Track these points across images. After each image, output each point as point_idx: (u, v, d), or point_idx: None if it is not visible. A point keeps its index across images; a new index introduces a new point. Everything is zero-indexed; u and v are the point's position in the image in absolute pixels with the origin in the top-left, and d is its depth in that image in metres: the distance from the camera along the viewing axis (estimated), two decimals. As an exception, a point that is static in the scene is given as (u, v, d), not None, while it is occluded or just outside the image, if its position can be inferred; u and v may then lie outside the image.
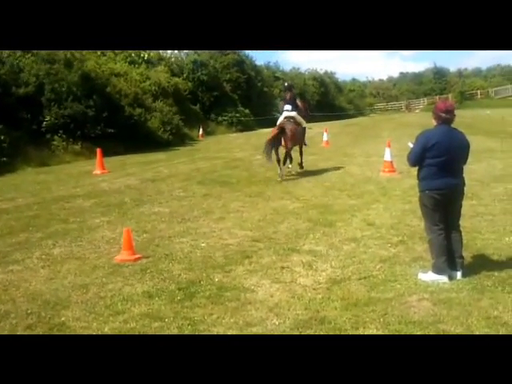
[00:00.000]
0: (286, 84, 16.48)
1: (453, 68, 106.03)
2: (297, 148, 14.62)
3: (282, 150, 13.59)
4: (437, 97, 66.21)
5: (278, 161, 13.43)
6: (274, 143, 13.11)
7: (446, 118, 5.92)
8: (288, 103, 14.07)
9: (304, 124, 14.48)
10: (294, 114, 13.89)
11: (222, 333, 4.82)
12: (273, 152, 13.06)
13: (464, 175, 6.14)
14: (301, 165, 14.74)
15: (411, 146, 6.25)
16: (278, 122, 13.88)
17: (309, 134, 16.76)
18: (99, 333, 4.91)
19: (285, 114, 13.87)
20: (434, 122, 6.07)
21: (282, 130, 13.30)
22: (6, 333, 4.96)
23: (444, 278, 5.93)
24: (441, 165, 5.86)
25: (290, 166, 14.46)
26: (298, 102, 14.60)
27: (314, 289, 5.90)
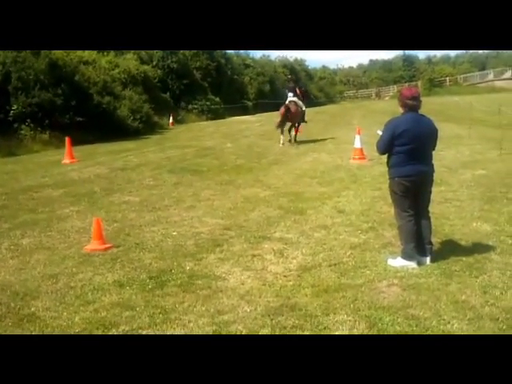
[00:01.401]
0: (289, 76, 24.40)
1: (422, 55, 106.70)
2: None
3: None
4: (406, 84, 66.72)
5: (282, 132, 18.06)
6: (283, 120, 17.78)
7: (412, 104, 5.96)
8: (291, 91, 18.72)
9: (303, 107, 18.77)
10: (295, 99, 18.44)
11: (193, 321, 4.83)
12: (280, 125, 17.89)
13: (433, 162, 6.21)
14: (295, 139, 18.85)
15: (380, 133, 6.30)
16: (284, 105, 18.10)
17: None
18: (69, 323, 4.88)
19: (289, 99, 18.38)
20: (400, 110, 6.10)
21: (287, 109, 17.68)
22: (-26, 325, 4.90)
23: (413, 264, 6.01)
24: (409, 152, 5.90)
25: (289, 137, 18.71)
26: (297, 90, 19.11)
27: (284, 276, 5.94)
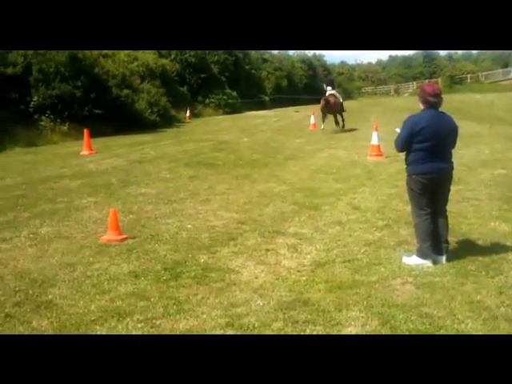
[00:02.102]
0: (326, 72, 26.36)
1: (443, 51, 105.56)
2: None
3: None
4: (426, 81, 66.17)
5: (324, 120, 20.66)
6: (323, 111, 20.33)
7: (433, 101, 5.87)
8: (329, 85, 20.92)
9: (341, 99, 20.89)
10: (334, 91, 20.63)
11: (206, 313, 4.88)
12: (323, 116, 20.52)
13: (452, 160, 6.13)
14: (343, 126, 20.82)
15: (398, 131, 6.24)
16: (324, 97, 20.41)
17: (296, 117, 17.22)
18: (85, 311, 4.95)
19: (328, 92, 20.48)
20: (420, 106, 6.01)
21: (327, 102, 19.86)
22: (-8, 311, 4.99)
23: (428, 263, 5.98)
24: (428, 149, 5.84)
25: (338, 126, 20.80)
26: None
27: (298, 271, 5.96)
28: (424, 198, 6.03)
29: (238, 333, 4.48)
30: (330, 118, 20.90)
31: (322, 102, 20.23)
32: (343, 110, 20.90)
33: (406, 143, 5.97)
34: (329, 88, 20.71)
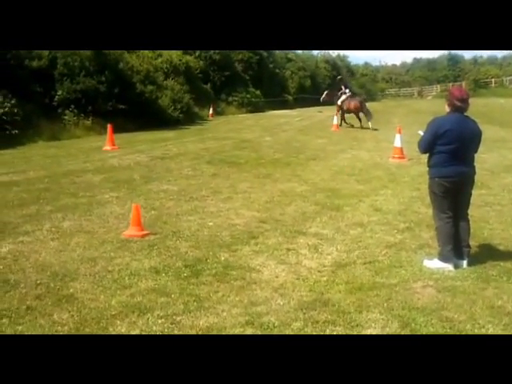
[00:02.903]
0: (339, 77, 26.01)
1: (468, 55, 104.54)
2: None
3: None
4: (450, 84, 65.61)
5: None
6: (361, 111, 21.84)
7: (459, 106, 5.86)
8: (346, 87, 22.52)
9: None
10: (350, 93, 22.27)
11: (226, 310, 4.89)
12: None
13: (475, 164, 6.13)
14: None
15: (421, 133, 6.24)
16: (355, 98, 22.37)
17: (319, 117, 17.14)
18: (106, 305, 4.99)
19: (348, 93, 22.17)
20: (446, 109, 6.01)
21: (361, 103, 21.90)
22: (15, 302, 5.04)
23: (449, 266, 5.95)
24: (452, 152, 5.83)
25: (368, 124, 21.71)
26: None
27: (318, 271, 5.95)
28: (446, 201, 6.00)
29: (258, 331, 4.49)
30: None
31: (357, 103, 21.66)
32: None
33: (430, 145, 5.97)
34: (347, 90, 22.13)
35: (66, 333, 4.46)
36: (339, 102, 22.47)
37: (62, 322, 4.65)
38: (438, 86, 72.61)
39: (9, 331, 4.45)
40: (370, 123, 21.64)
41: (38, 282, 5.54)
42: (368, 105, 22.88)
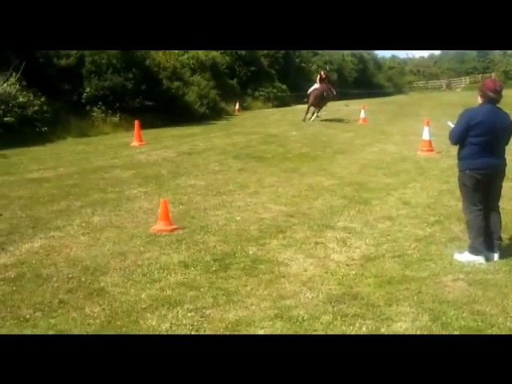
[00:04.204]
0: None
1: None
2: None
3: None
4: (479, 76, 64.64)
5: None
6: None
7: (493, 97, 5.79)
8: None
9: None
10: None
11: (255, 304, 4.90)
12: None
13: (506, 156, 6.04)
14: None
15: (451, 125, 6.17)
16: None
17: (346, 110, 17.02)
18: (137, 299, 5.05)
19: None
20: (478, 100, 5.94)
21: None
22: (48, 295, 5.13)
23: (480, 259, 5.88)
24: (483, 144, 5.76)
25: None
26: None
27: (347, 265, 5.93)
28: (477, 193, 5.94)
29: (287, 325, 4.49)
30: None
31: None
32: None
33: (462, 136, 5.90)
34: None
35: (97, 326, 4.53)
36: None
37: (93, 316, 4.72)
38: (467, 77, 71.52)
39: (42, 324, 4.54)
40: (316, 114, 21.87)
41: (70, 276, 5.63)
42: (393, 99, 22.48)
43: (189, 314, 4.72)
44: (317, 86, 21.77)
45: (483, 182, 5.87)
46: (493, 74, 63.65)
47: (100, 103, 20.31)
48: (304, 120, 21.59)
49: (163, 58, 24.88)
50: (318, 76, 22.52)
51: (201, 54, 30.44)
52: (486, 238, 5.95)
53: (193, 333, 4.38)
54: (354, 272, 5.70)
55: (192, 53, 29.50)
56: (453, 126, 6.10)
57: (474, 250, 5.94)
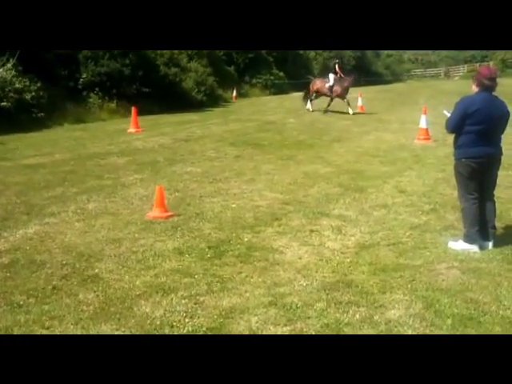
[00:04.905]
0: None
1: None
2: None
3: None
4: (477, 64, 64.47)
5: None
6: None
7: (488, 85, 5.75)
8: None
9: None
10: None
11: (249, 291, 4.91)
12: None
13: (502, 145, 6.03)
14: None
15: (447, 114, 6.15)
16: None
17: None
18: (131, 285, 5.05)
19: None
20: (474, 89, 5.88)
21: None
22: (42, 282, 5.13)
23: (474, 248, 5.89)
24: (479, 133, 5.73)
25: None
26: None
27: (342, 253, 5.93)
28: (472, 182, 5.93)
29: (281, 312, 4.50)
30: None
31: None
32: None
33: (458, 125, 5.86)
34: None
35: (91, 312, 4.53)
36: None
37: (87, 302, 4.72)
38: (465, 66, 71.34)
39: (35, 310, 4.53)
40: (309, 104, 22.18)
41: (64, 262, 5.63)
42: (391, 87, 22.51)
43: (183, 301, 4.72)
44: (333, 76, 21.60)
45: (479, 170, 5.86)
46: (491, 63, 63.45)
47: (97, 89, 20.26)
48: (326, 111, 21.10)
49: (160, 44, 24.74)
50: (337, 66, 22.24)
51: (198, 40, 30.25)
52: (481, 227, 5.94)
53: (187, 320, 4.38)
54: (348, 260, 5.71)
55: (189, 39, 29.32)
56: (449, 114, 6.08)
57: (468, 239, 5.94)
